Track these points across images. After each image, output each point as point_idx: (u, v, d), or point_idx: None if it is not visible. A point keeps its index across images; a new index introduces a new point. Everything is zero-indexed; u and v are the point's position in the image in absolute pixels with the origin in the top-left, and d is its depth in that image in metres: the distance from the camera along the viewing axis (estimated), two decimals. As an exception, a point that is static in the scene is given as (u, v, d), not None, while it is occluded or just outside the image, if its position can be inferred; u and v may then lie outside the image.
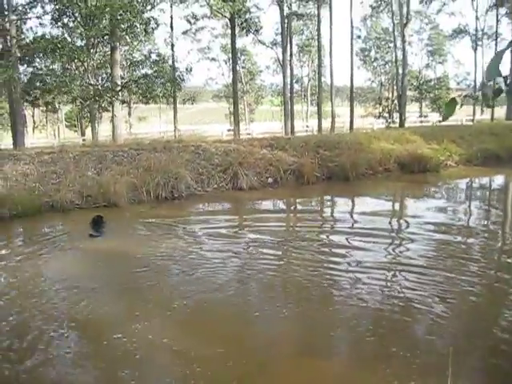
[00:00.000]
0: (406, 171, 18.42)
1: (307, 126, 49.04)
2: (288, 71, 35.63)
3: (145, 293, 7.64)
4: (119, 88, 23.61)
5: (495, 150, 20.80)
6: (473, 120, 43.35)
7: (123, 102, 25.68)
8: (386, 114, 41.35)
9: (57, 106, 48.34)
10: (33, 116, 52.77)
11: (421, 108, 62.75)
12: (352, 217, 13.21)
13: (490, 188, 18.05)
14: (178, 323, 6.65)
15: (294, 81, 46.61)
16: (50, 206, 13.78)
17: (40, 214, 13.41)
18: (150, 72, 24.93)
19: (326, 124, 38.98)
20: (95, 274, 8.66)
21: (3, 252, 10.38)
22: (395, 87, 44.68)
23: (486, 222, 12.35)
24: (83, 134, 48.89)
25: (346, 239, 10.33)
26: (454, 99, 3.26)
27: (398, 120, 34.96)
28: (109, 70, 26.20)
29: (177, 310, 6.99)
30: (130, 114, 54.02)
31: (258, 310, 6.95)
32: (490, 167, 19.40)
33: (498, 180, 19.27)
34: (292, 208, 15.29)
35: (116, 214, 13.18)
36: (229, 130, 40.82)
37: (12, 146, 22.63)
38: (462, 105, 3.22)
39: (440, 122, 31.52)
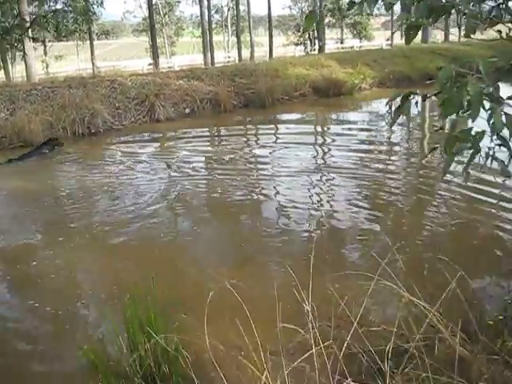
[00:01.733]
0: (321, 95, 18.98)
1: (229, 57, 48.56)
2: (205, 1, 34.95)
3: (70, 222, 7.87)
4: (28, 25, 22.70)
5: (407, 71, 21.65)
6: (391, 44, 44.02)
7: (33, 39, 24.65)
8: (307, 42, 41.49)
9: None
10: None
11: (342, 34, 63.01)
12: (273, 136, 13.75)
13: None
14: (106, 248, 6.93)
15: (214, 11, 45.84)
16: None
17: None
18: (59, 7, 24.05)
19: (248, 54, 38.76)
20: (14, 210, 8.85)
21: None
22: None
23: (400, 138, 13.11)
24: (-3, 73, 46.67)
25: (270, 153, 11.04)
26: (311, 12, 3.52)
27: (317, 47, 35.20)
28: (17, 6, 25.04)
29: (104, 236, 7.29)
30: (46, 52, 51.79)
31: (188, 232, 7.35)
32: (401, 88, 20.17)
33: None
34: (209, 133, 15.57)
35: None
36: (149, 65, 39.87)
37: None
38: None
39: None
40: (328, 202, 8.11)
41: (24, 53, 23.81)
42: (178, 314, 4.21)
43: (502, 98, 2.71)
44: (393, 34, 47.23)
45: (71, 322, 5.01)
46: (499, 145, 3.87)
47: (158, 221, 7.65)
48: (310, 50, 39.24)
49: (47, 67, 51.09)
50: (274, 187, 8.90)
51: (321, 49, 33.80)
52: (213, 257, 6.42)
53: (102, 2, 25.94)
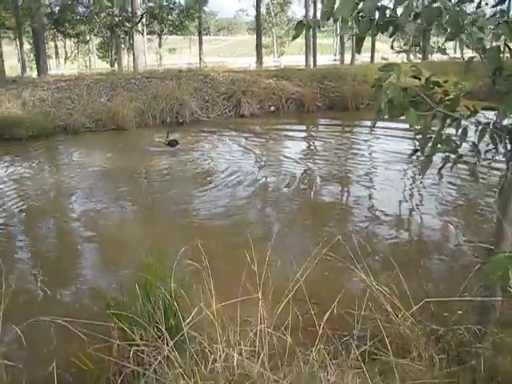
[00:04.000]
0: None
1: (334, 60, 48.85)
2: (311, 3, 35.50)
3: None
4: (138, 19, 24.33)
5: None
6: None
7: (139, 32, 26.26)
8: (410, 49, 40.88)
9: (87, 37, 48.95)
10: (64, 47, 53.63)
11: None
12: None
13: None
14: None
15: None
16: (63, 129, 15.11)
17: (54, 135, 14.70)
18: (164, 3, 25.54)
19: (364, 59, 38.65)
20: (94, 183, 10.01)
21: (19, 165, 11.92)
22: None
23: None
24: (112, 64, 49.72)
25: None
26: (301, 22, 4.07)
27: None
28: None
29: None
30: (160, 45, 54.32)
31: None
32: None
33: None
34: (286, 128, 15.94)
35: (123, 136, 14.51)
36: (257, 62, 41.00)
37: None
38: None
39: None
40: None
41: (133, 44, 25.47)
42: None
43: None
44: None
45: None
46: (470, 150, 4.31)
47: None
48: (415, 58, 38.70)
49: (160, 59, 53.63)
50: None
51: (424, 57, 33.37)
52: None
53: (205, 1, 27.08)
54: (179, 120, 16.21)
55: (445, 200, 8.11)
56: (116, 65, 37.31)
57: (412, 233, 7.13)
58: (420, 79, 4.21)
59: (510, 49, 3.63)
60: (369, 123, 14.73)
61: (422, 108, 3.77)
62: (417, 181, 9.32)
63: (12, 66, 39.45)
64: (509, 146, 3.87)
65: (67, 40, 51.33)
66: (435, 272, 5.69)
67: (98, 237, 7.18)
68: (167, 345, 3.19)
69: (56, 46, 52.79)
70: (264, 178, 10.00)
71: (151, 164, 11.31)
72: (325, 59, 43.97)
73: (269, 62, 45.63)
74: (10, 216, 8.27)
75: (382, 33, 3.93)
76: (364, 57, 39.86)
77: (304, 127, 16.20)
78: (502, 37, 3.51)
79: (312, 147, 13.70)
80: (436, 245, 6.58)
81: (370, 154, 12.32)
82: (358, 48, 3.70)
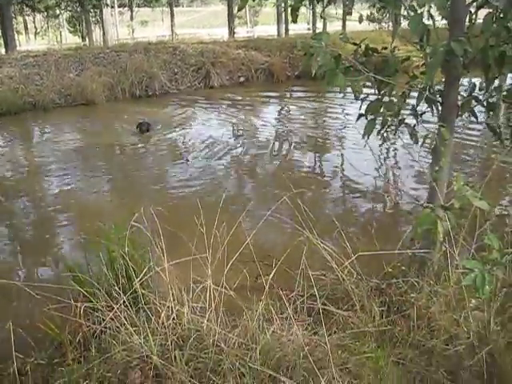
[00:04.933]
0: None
1: (308, 29, 48.58)
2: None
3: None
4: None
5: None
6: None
7: (108, 5, 26.02)
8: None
9: (57, 11, 48.15)
10: (34, 22, 52.79)
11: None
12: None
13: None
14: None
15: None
16: (33, 106, 15.06)
17: (23, 112, 14.69)
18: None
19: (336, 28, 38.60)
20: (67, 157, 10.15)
21: None
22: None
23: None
24: (84, 39, 49.04)
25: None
26: None
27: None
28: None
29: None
30: (131, 17, 53.66)
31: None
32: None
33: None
34: (255, 97, 16.18)
35: (93, 111, 14.55)
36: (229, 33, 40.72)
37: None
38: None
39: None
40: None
41: (101, 17, 25.25)
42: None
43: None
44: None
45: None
46: (409, 114, 4.58)
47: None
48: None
49: (133, 32, 52.98)
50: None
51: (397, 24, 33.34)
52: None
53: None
54: (149, 93, 16.31)
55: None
56: (87, 39, 36.93)
57: (364, 195, 7.45)
58: (360, 46, 4.47)
59: (432, 17, 3.85)
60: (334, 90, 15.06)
61: (356, 75, 4.02)
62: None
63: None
64: (440, 108, 4.14)
65: (36, 14, 50.54)
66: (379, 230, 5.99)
67: (71, 210, 7.35)
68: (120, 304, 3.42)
69: (25, 21, 51.86)
70: (237, 148, 10.25)
71: (123, 138, 11.38)
72: (298, 28, 43.70)
73: (242, 32, 45.40)
74: None
75: (318, 2, 4.17)
76: (336, 26, 39.82)
77: (274, 97, 16.29)
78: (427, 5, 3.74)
79: (282, 115, 13.97)
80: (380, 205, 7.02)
81: (336, 118, 12.66)
82: (293, 18, 3.91)
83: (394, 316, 3.67)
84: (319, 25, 39.71)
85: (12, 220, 7.21)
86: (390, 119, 4.34)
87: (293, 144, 10.25)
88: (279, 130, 11.80)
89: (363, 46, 4.36)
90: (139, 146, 10.64)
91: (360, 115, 4.48)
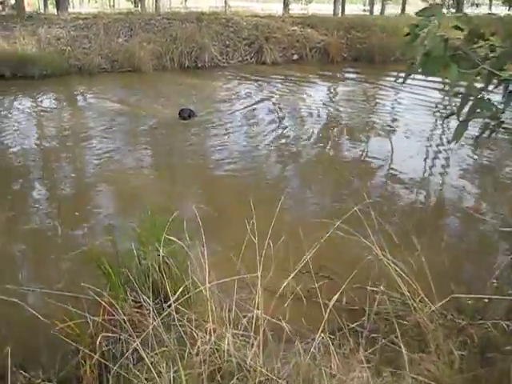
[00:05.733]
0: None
1: (364, 10, 47.11)
2: None
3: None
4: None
5: None
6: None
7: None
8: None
9: (112, -25, 47.72)
10: (88, -14, 52.59)
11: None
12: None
13: None
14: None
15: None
16: (78, 69, 14.62)
17: (68, 75, 14.23)
18: None
19: (393, 10, 37.26)
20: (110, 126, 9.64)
21: (33, 105, 11.70)
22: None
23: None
24: (136, 4, 48.55)
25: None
26: None
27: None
28: None
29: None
30: (185, -13, 52.87)
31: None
32: None
33: None
34: (308, 76, 15.25)
35: (139, 79, 13.99)
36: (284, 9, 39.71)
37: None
38: None
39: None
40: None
41: (156, -16, 24.59)
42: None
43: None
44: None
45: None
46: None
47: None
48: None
49: (185, 1, 52.32)
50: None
51: (458, 9, 31.97)
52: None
53: None
54: (198, 64, 15.64)
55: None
56: (139, 5, 36.40)
57: (435, 198, 6.64)
58: (463, 30, 3.62)
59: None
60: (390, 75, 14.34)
61: (463, 65, 3.22)
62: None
63: (31, 4, 38.62)
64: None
65: (91, -22, 50.22)
66: (460, 249, 5.22)
67: (108, 186, 6.89)
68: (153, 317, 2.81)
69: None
70: (284, 129, 9.55)
71: (167, 110, 10.74)
72: (354, 8, 42.32)
73: (296, 9, 44.16)
74: (26, 156, 8.04)
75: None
76: (393, 8, 38.41)
77: (329, 77, 15.34)
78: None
79: (334, 97, 13.14)
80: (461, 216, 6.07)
81: (394, 105, 11.79)
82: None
83: (479, 369, 2.93)
84: (376, 7, 38.50)
85: (45, 191, 6.76)
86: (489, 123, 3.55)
87: (345, 130, 9.43)
88: (329, 112, 11.07)
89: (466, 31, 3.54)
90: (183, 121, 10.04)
91: (450, 114, 3.71)
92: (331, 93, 13.75)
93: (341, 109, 11.37)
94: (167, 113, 10.33)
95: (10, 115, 10.69)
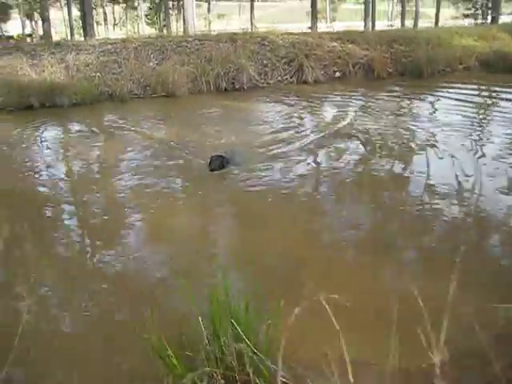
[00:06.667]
0: (489, 70, 16.66)
1: (391, 26, 46.23)
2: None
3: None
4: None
5: None
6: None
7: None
8: (479, 13, 38.11)
9: (136, 3, 47.79)
10: (113, 13, 52.70)
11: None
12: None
13: None
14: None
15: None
16: (109, 96, 13.76)
17: (99, 102, 13.38)
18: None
19: (411, 25, 36.35)
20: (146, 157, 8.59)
21: (61, 135, 11.00)
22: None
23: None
24: (161, 30, 48.40)
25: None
26: None
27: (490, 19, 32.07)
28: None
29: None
30: (209, 10, 52.84)
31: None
32: None
33: None
34: (355, 95, 13.82)
35: (175, 104, 13.03)
36: (308, 28, 39.09)
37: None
38: None
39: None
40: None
41: (182, 6, 24.01)
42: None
43: None
44: None
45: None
46: None
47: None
48: (482, 23, 35.93)
49: (209, 24, 52.10)
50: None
51: (494, 20, 30.77)
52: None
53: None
54: (235, 86, 14.58)
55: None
56: (165, 31, 35.97)
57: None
58: None
59: None
60: (448, 90, 13.37)
61: None
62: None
63: (58, 32, 38.42)
64: None
65: (115, 6, 50.30)
66: None
67: (147, 222, 5.98)
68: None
69: (105, 13, 51.77)
70: (326, 151, 8.46)
71: (208, 135, 9.71)
72: (380, 24, 41.46)
73: (322, 27, 43.47)
74: (55, 186, 7.38)
75: None
76: (424, 22, 37.42)
77: (379, 95, 13.72)
78: None
79: (389, 117, 11.67)
80: None
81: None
82: None
83: None
84: (407, 22, 37.53)
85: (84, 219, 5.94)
86: None
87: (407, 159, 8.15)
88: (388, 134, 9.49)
89: None
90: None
91: None
92: (383, 112, 12.25)
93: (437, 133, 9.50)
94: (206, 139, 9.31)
95: (37, 147, 9.82)
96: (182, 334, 3.42)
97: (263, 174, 7.34)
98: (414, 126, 9.99)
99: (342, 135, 9.35)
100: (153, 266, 4.90)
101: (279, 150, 8.46)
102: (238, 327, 3.13)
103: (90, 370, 3.51)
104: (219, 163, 7.40)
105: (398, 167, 7.54)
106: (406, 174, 7.31)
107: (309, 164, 7.82)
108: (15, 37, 28.14)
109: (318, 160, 8.12)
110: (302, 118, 11.13)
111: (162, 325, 3.25)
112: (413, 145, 8.62)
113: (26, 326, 3.41)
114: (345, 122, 10.31)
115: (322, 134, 9.46)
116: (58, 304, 4.45)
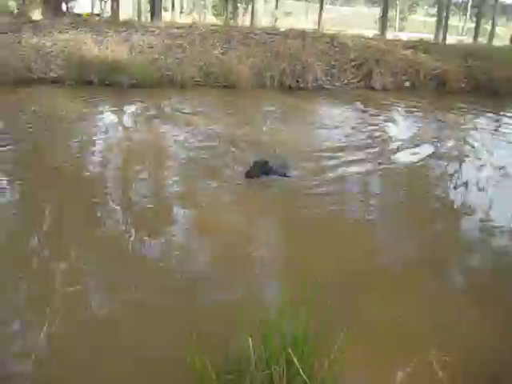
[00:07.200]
0: None
1: (461, 41, 44.93)
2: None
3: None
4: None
5: None
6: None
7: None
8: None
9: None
10: (181, 1, 52.75)
11: None
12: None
13: None
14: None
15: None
16: (170, 80, 13.35)
17: (158, 86, 13.00)
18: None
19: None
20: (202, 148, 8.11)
21: (118, 116, 10.55)
22: None
23: None
24: (228, 22, 48.28)
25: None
26: None
27: None
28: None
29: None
30: (276, 6, 52.50)
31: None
32: None
33: None
34: (425, 108, 12.96)
35: (237, 97, 12.62)
36: (377, 35, 38.29)
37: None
38: None
39: None
40: None
41: (252, 1, 23.76)
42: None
43: None
44: None
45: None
46: None
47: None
48: None
49: (275, 21, 51.68)
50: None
51: None
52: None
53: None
54: (300, 85, 13.96)
55: None
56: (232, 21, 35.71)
57: None
58: None
59: None
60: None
61: None
62: None
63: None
64: None
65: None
66: None
67: (191, 213, 5.70)
68: None
69: (173, 0, 51.85)
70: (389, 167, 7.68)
71: (265, 134, 9.19)
72: (450, 39, 40.36)
73: (389, 36, 42.58)
74: (105, 166, 7.21)
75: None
76: (495, 41, 36.13)
77: (449, 111, 12.77)
78: None
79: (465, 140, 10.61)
80: None
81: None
82: None
83: None
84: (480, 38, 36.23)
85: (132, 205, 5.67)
86: None
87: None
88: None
89: None
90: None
91: None
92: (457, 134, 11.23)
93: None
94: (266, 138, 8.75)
95: (94, 125, 9.58)
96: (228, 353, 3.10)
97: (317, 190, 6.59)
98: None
99: (431, 155, 8.44)
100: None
101: (343, 163, 7.65)
102: (293, 356, 2.72)
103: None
104: (259, 170, 6.52)
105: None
106: None
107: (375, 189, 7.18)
108: (84, 15, 28.23)
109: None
110: (373, 129, 10.18)
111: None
112: None
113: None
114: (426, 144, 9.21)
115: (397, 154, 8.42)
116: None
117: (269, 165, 6.57)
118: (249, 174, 6.47)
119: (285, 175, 6.67)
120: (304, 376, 2.64)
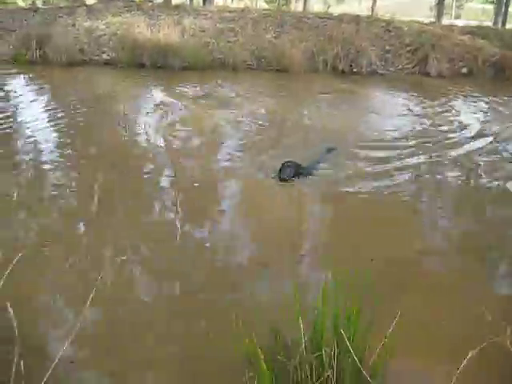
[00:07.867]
0: None
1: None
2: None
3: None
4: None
5: None
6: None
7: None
8: None
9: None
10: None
11: None
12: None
13: None
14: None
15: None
16: (222, 63, 13.33)
17: (210, 69, 13.01)
18: None
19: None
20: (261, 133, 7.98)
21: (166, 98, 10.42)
22: None
23: None
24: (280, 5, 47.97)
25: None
26: None
27: None
28: None
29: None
30: (330, -6, 51.87)
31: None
32: None
33: None
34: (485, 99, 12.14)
35: (290, 81, 12.43)
36: (432, 22, 37.47)
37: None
38: None
39: None
40: None
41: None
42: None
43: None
44: None
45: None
46: None
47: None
48: None
49: (328, 8, 51.05)
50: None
51: None
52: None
53: None
54: (353, 69, 13.70)
55: None
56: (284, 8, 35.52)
57: None
58: None
59: None
60: None
61: None
62: None
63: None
64: None
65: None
66: None
67: (238, 200, 5.73)
68: None
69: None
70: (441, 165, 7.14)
71: (316, 120, 9.01)
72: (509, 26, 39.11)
73: (445, 23, 41.65)
74: (152, 149, 7.18)
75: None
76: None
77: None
78: None
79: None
80: None
81: None
82: None
83: None
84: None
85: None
86: None
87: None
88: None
89: None
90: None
91: None
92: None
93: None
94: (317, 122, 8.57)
95: (143, 107, 9.65)
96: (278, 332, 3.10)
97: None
98: None
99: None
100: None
101: (397, 157, 7.14)
102: (345, 336, 2.63)
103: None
104: (290, 171, 6.14)
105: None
106: None
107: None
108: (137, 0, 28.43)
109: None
110: (431, 119, 9.60)
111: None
112: None
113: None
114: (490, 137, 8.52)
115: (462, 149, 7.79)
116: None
117: (300, 167, 6.29)
118: (282, 177, 6.10)
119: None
120: (355, 357, 2.54)
